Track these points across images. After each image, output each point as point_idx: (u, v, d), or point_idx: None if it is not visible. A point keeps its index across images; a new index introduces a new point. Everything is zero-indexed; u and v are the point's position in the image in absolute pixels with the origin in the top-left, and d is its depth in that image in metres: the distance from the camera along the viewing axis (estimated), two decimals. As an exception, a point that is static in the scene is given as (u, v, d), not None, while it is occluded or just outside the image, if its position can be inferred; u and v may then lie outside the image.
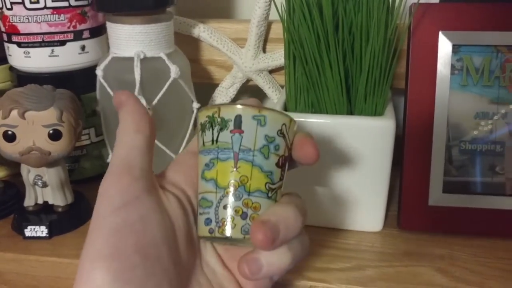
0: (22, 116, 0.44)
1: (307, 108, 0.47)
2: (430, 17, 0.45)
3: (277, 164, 0.31)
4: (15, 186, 0.55)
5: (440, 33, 0.45)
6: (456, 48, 0.45)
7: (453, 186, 0.47)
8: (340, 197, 0.47)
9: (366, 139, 0.44)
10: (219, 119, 0.30)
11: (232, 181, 0.30)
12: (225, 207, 0.30)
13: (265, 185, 0.30)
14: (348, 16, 0.43)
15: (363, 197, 0.46)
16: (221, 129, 0.30)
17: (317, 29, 0.43)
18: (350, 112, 0.46)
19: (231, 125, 0.30)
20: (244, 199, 0.30)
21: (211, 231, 0.30)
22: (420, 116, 0.46)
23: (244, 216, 0.30)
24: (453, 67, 0.46)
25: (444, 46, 0.45)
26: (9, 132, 0.44)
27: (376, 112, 0.45)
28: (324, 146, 0.45)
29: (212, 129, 0.31)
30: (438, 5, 0.46)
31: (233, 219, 0.30)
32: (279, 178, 0.31)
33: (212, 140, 0.30)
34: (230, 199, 0.30)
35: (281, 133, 0.31)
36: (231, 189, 0.30)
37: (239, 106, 0.30)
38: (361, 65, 0.44)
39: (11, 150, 0.45)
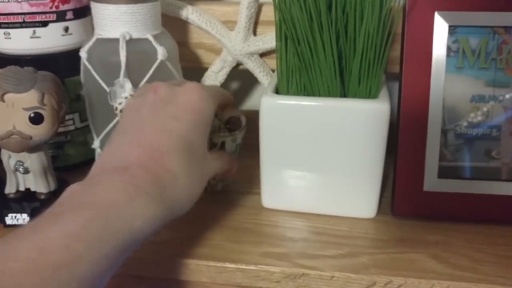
0: (1, 98, 0.42)
1: (299, 91, 0.45)
2: (426, -3, 0.44)
3: None
4: (-4, 173, 0.53)
5: (436, 14, 0.44)
6: (452, 29, 0.44)
7: (449, 171, 0.45)
8: (332, 183, 0.45)
9: (360, 123, 0.43)
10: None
11: None
12: None
13: None
14: (341, -6, 0.41)
15: (357, 182, 0.45)
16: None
17: (309, 8, 0.42)
18: (344, 95, 0.45)
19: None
20: None
21: None
22: (415, 99, 0.45)
23: None
24: (449, 48, 0.44)
25: (440, 27, 0.44)
26: (-12, 115, 0.43)
27: (370, 95, 0.44)
28: (317, 130, 0.43)
29: None
30: (434, -15, 0.44)
31: None
32: None
33: None
34: None
35: None
36: None
37: None
38: (355, 46, 0.42)
39: (-10, 134, 0.43)
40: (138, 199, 0.33)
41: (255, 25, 0.56)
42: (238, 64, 0.58)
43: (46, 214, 0.32)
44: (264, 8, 0.55)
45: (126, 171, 0.34)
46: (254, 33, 0.56)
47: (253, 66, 0.57)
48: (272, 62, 0.58)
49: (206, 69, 0.59)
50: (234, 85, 0.69)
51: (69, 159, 0.56)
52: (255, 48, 0.55)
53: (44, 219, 0.31)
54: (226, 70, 0.58)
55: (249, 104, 0.70)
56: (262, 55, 0.57)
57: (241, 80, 0.68)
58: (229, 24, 0.56)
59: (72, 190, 0.34)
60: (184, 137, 0.38)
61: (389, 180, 0.49)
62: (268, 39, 0.55)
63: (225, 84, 0.59)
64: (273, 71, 0.58)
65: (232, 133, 0.49)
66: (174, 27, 0.55)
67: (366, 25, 0.41)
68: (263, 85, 0.58)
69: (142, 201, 0.33)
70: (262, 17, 0.56)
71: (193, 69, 0.59)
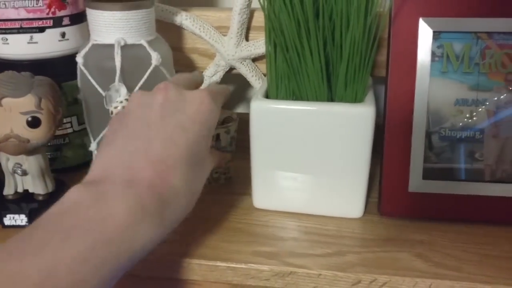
0: (-1, 103, 0.44)
1: (288, 96, 0.47)
2: (411, 4, 0.45)
3: None
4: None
5: (421, 20, 0.45)
6: (436, 35, 0.45)
7: (433, 173, 0.47)
8: (321, 184, 0.47)
9: (346, 126, 0.44)
10: None
11: None
12: None
13: None
14: (328, 3, 0.43)
15: (344, 183, 0.46)
16: None
17: (297, 15, 0.43)
18: (331, 99, 0.46)
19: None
20: None
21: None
22: (400, 103, 0.46)
23: None
24: (433, 54, 0.46)
25: (425, 32, 0.45)
26: (-14, 120, 0.44)
27: (357, 99, 0.45)
28: (305, 133, 0.45)
29: None
30: (418, -8, 0.46)
31: None
32: None
33: None
34: None
35: None
36: None
37: None
38: (342, 52, 0.44)
39: (-12, 137, 0.45)
40: (142, 223, 0.33)
41: (247, 31, 0.57)
42: (231, 69, 0.59)
43: (52, 225, 0.31)
44: (255, 14, 0.57)
45: (133, 187, 0.34)
46: (247, 39, 0.58)
47: (246, 70, 0.58)
48: (264, 66, 0.59)
49: (200, 73, 0.60)
50: (231, 92, 0.70)
51: (67, 161, 0.57)
52: (247, 53, 0.57)
53: (50, 234, 0.30)
54: (220, 74, 0.59)
55: (242, 107, 0.71)
56: (254, 59, 0.59)
57: (234, 83, 0.70)
58: (222, 29, 0.58)
59: (78, 197, 0.33)
60: (190, 149, 0.38)
61: (376, 180, 0.51)
62: (260, 44, 0.56)
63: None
64: (265, 75, 0.59)
65: (226, 125, 0.52)
66: (169, 32, 0.57)
67: (352, 32, 0.42)
68: (255, 89, 0.59)
69: (146, 225, 0.33)
70: (254, 23, 0.57)
71: (188, 73, 0.60)
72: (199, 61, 0.60)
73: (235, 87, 0.70)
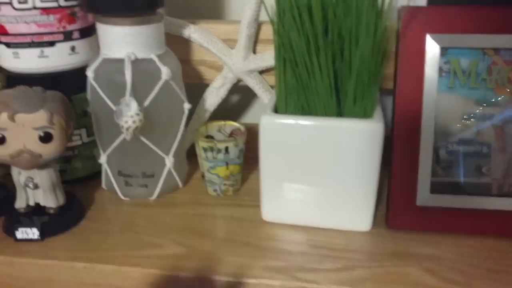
0: (12, 118, 0.44)
1: (297, 110, 0.47)
2: (418, 20, 0.46)
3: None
4: (6, 186, 0.55)
5: (428, 36, 0.46)
6: (443, 51, 0.46)
7: (441, 187, 0.47)
8: (329, 197, 0.47)
9: (355, 141, 0.45)
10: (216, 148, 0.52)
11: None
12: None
13: None
14: (337, 19, 0.43)
15: (352, 197, 0.47)
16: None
17: (306, 32, 0.43)
18: (340, 114, 0.47)
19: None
20: None
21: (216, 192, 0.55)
22: (408, 118, 0.46)
23: None
24: (440, 69, 0.46)
25: (432, 48, 0.46)
26: (-1, 135, 0.44)
27: (366, 114, 0.46)
28: (314, 147, 0.45)
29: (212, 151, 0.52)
30: (425, 8, 0.46)
31: None
32: None
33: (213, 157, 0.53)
34: None
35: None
36: None
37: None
38: (350, 68, 0.44)
39: (1, 152, 0.45)
40: None
41: (254, 44, 0.58)
42: (239, 80, 0.60)
43: None
44: (263, 27, 0.57)
45: None
46: (254, 51, 0.58)
47: (253, 82, 0.58)
48: (271, 78, 0.59)
49: (207, 85, 0.61)
50: (235, 99, 0.71)
51: (76, 173, 0.58)
52: (255, 66, 0.57)
53: None
54: (227, 86, 0.60)
55: (248, 117, 0.72)
56: (261, 72, 0.59)
57: (241, 94, 0.70)
58: (230, 42, 0.58)
59: None
60: None
61: (384, 192, 0.51)
62: (267, 57, 0.57)
63: (225, 99, 0.61)
64: (272, 87, 0.59)
65: (234, 138, 0.53)
66: (177, 45, 0.57)
67: (361, 49, 0.43)
68: (262, 101, 0.60)
69: None
70: (262, 36, 0.58)
71: (196, 85, 0.61)
72: (206, 73, 0.61)
73: (241, 97, 0.71)
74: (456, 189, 0.47)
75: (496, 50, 0.46)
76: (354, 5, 0.42)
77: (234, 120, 0.57)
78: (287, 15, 0.44)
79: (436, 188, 0.47)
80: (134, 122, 0.48)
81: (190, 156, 0.59)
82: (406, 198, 0.47)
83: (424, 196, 0.47)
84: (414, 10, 0.46)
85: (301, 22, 0.43)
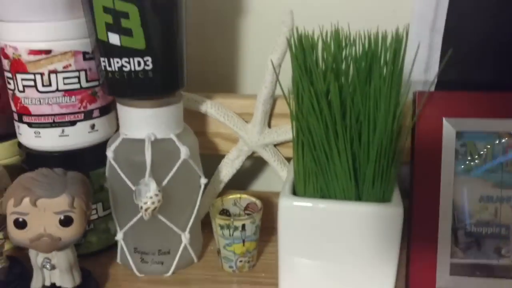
0: (34, 204, 0.44)
1: (316, 193, 0.47)
2: (434, 105, 0.47)
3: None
4: (20, 263, 0.54)
5: (444, 120, 0.47)
6: (459, 134, 0.47)
7: (460, 269, 0.47)
8: (348, 278, 0.47)
9: (374, 225, 0.45)
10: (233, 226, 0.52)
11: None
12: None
13: None
14: (355, 106, 0.44)
15: (372, 278, 0.46)
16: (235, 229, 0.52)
17: (325, 117, 0.44)
18: (358, 196, 0.47)
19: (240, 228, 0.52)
20: None
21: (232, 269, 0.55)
22: (426, 200, 0.47)
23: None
24: (457, 152, 0.47)
25: (448, 132, 0.47)
26: (20, 220, 0.45)
27: (384, 197, 0.46)
28: (333, 229, 0.45)
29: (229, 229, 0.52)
30: (441, 93, 0.47)
31: None
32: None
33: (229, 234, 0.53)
34: None
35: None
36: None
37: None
38: (369, 152, 0.45)
39: (21, 236, 0.45)
40: None
41: (269, 117, 0.59)
42: (253, 152, 0.60)
43: None
44: (278, 102, 0.58)
45: None
46: (269, 125, 0.59)
47: (268, 155, 0.59)
48: (286, 150, 0.60)
49: (223, 156, 0.61)
50: (248, 166, 0.72)
51: (90, 247, 0.57)
52: (270, 140, 0.58)
53: None
54: (242, 158, 0.60)
55: (262, 185, 0.72)
56: (276, 144, 0.60)
57: (255, 162, 0.71)
58: (246, 116, 0.59)
59: None
60: None
61: (403, 270, 0.51)
62: (282, 131, 0.58)
63: (240, 170, 0.61)
64: (287, 159, 0.60)
65: (251, 215, 0.52)
66: (193, 117, 0.58)
67: (380, 136, 0.44)
68: (277, 172, 0.60)
69: None
70: (277, 110, 0.59)
71: (211, 156, 0.61)
72: (222, 145, 0.62)
73: (254, 165, 0.71)
74: (475, 271, 0.47)
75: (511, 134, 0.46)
76: (372, 92, 0.43)
77: (247, 187, 0.57)
78: (305, 101, 0.45)
79: (455, 270, 0.47)
80: (153, 203, 0.48)
81: (203, 225, 0.59)
82: (425, 280, 0.47)
83: (443, 278, 0.47)
84: (430, 95, 0.47)
85: (319, 109, 0.44)
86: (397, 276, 0.47)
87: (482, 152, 0.47)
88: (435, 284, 0.47)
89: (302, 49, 0.44)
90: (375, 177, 0.45)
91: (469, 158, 0.47)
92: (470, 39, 0.55)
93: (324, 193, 0.47)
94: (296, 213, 0.46)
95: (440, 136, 0.47)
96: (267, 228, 0.60)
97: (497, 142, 0.47)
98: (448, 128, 0.47)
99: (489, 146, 0.47)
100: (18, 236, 0.45)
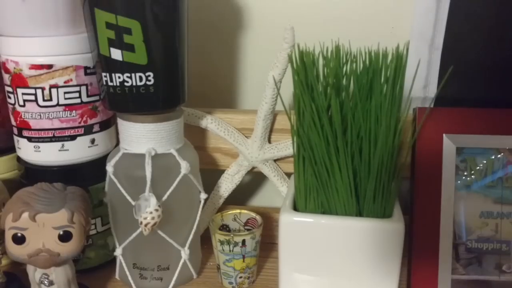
0: (33, 218, 0.44)
1: (317, 208, 0.47)
2: (434, 121, 0.47)
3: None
4: (18, 279, 0.54)
5: (444, 136, 0.47)
6: (459, 150, 0.47)
7: (461, 285, 0.47)
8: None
9: (375, 240, 0.45)
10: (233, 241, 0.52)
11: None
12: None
13: None
14: (356, 122, 0.44)
15: (373, 295, 0.46)
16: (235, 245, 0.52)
17: (326, 133, 0.45)
18: (359, 212, 0.47)
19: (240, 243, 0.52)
20: None
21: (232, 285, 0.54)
22: (427, 216, 0.47)
23: None
24: (457, 167, 0.47)
25: (448, 148, 0.47)
26: (19, 235, 0.44)
27: (385, 212, 0.46)
28: (334, 244, 0.45)
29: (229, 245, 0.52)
30: (441, 109, 0.48)
31: None
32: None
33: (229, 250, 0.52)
34: None
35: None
36: None
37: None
38: (370, 168, 0.45)
39: (19, 252, 0.45)
40: None
41: (270, 133, 0.59)
42: (253, 167, 0.60)
43: None
44: (278, 117, 0.59)
45: None
46: (269, 140, 0.59)
47: (268, 171, 0.59)
48: (286, 165, 0.60)
49: (222, 171, 0.61)
50: (249, 183, 0.71)
51: (88, 262, 0.57)
52: (270, 155, 0.58)
53: None
54: (242, 173, 0.60)
55: (261, 200, 0.72)
56: (276, 159, 0.60)
57: (255, 179, 0.71)
58: (246, 131, 0.59)
59: None
60: None
61: (404, 285, 0.51)
62: (282, 147, 0.58)
63: (240, 185, 0.61)
64: (287, 174, 0.60)
65: (251, 231, 0.52)
66: (193, 132, 0.58)
67: (381, 152, 0.44)
68: (277, 187, 0.60)
69: None
70: (277, 125, 0.59)
71: (211, 171, 0.61)
72: (221, 160, 0.61)
73: (254, 180, 0.71)
74: (477, 287, 0.47)
75: (511, 150, 0.47)
76: (372, 108, 0.44)
77: (247, 202, 0.57)
78: (306, 117, 0.45)
79: (456, 286, 0.47)
80: (153, 218, 0.48)
81: (203, 240, 0.59)
82: (427, 296, 0.47)
83: (445, 295, 0.47)
84: (430, 111, 0.47)
85: (320, 124, 0.45)
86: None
87: (482, 168, 0.47)
88: (436, 301, 0.47)
89: (303, 65, 0.45)
90: (376, 193, 0.45)
91: (469, 174, 0.47)
92: (468, 56, 0.55)
93: (325, 209, 0.47)
94: (297, 229, 0.46)
95: (440, 152, 0.47)
96: (267, 244, 0.60)
97: (497, 158, 0.47)
98: (448, 144, 0.47)
99: (489, 162, 0.47)
100: (17, 251, 0.45)
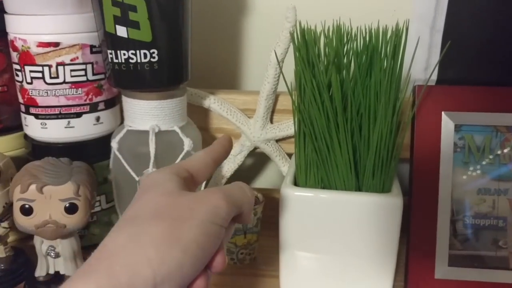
0: (40, 190, 0.45)
1: (317, 183, 0.48)
2: (433, 99, 0.48)
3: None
4: (25, 253, 0.55)
5: (443, 113, 0.48)
6: (458, 127, 0.48)
7: (459, 260, 0.48)
8: (348, 269, 0.47)
9: (374, 215, 0.45)
10: None
11: None
12: None
13: None
14: (356, 98, 0.45)
15: (371, 269, 0.47)
16: None
17: (326, 109, 0.45)
18: (358, 188, 0.48)
19: None
20: None
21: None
22: (425, 192, 0.48)
23: None
24: (455, 145, 0.48)
25: (447, 125, 0.48)
26: (26, 206, 0.45)
27: (384, 188, 0.47)
28: (334, 219, 0.46)
29: None
30: (440, 87, 0.49)
31: None
32: None
33: None
34: None
35: None
36: None
37: None
38: (369, 144, 0.46)
39: (27, 223, 0.46)
40: None
41: (272, 113, 0.60)
42: (255, 148, 0.61)
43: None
44: (280, 98, 0.60)
45: None
46: (271, 121, 0.60)
47: (270, 150, 0.60)
48: (288, 146, 0.61)
49: (224, 152, 0.62)
50: (250, 163, 0.72)
51: (93, 239, 0.58)
52: (272, 135, 0.59)
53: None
54: (244, 153, 0.61)
55: (264, 182, 0.73)
56: (278, 139, 0.61)
57: (257, 160, 0.72)
58: (248, 111, 0.60)
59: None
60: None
61: (401, 261, 0.51)
62: (284, 127, 0.59)
63: (242, 163, 0.62)
64: (288, 155, 0.61)
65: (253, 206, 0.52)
66: (196, 113, 0.59)
67: (379, 127, 0.45)
68: (279, 167, 0.61)
69: None
70: (279, 106, 0.60)
71: (213, 151, 0.62)
72: (224, 141, 0.62)
73: (256, 161, 0.72)
74: (474, 262, 0.48)
75: (508, 128, 0.47)
76: (372, 85, 0.45)
77: (249, 183, 0.58)
78: (307, 93, 0.46)
79: (454, 261, 0.48)
80: (157, 192, 0.49)
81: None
82: (424, 271, 0.48)
83: (442, 269, 0.48)
84: (429, 89, 0.48)
85: (321, 101, 0.45)
86: (396, 267, 0.48)
87: (480, 145, 0.48)
88: (433, 275, 0.48)
89: (304, 42, 0.46)
90: (375, 169, 0.46)
91: (467, 151, 0.48)
92: (470, 38, 0.56)
93: (325, 184, 0.48)
94: (297, 203, 0.47)
95: (439, 130, 0.48)
96: (269, 223, 0.61)
97: (495, 135, 0.48)
98: (447, 122, 0.48)
99: (487, 139, 0.48)
100: (24, 222, 0.46)
